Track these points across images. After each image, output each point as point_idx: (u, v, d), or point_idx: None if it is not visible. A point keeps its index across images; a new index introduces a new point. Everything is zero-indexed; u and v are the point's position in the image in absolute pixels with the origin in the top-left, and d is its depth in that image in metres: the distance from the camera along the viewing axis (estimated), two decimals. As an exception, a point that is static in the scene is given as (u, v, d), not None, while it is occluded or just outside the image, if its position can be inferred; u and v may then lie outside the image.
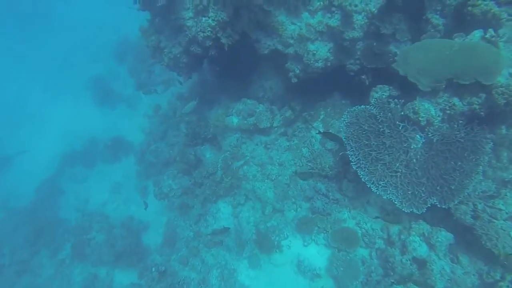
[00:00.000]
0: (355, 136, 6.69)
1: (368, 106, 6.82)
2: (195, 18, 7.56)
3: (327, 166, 8.14)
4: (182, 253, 9.47)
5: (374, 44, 7.58)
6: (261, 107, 9.36)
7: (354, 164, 6.61)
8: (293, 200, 8.85)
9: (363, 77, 7.92)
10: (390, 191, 6.36)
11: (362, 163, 6.55)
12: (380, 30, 7.34)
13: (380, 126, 6.59)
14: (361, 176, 6.54)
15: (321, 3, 7.32)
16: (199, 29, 7.53)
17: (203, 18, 7.49)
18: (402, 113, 6.51)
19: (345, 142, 6.85)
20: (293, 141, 9.38)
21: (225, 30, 7.74)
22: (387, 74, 7.50)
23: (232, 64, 9.88)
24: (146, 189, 12.27)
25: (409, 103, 6.46)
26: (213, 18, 7.41)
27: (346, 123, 6.92)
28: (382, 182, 6.43)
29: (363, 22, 7.21)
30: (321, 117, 9.17)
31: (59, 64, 18.31)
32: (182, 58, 8.42)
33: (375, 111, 6.68)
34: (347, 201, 7.96)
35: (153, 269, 9.12)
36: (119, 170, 13.78)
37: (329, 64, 8.11)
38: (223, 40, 7.74)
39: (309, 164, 8.84)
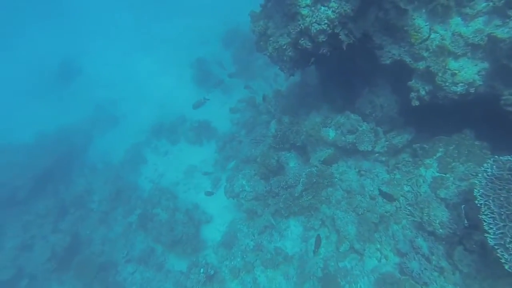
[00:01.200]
0: (500, 199, 4.73)
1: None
2: (312, 7, 6.40)
3: (437, 221, 6.22)
4: (236, 263, 8.69)
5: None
6: (365, 126, 7.79)
7: (491, 238, 4.68)
8: (379, 246, 7.18)
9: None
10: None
11: (504, 236, 4.59)
12: None
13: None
14: (500, 256, 4.59)
15: (490, 4, 5.39)
16: (314, 20, 6.35)
17: (322, 8, 6.28)
18: None
19: (480, 201, 4.93)
20: (395, 175, 7.61)
21: (345, 26, 6.40)
22: None
23: (343, 69, 8.48)
24: (219, 182, 11.84)
25: None
26: (334, 9, 6.14)
27: (488, 175, 4.98)
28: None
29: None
30: (438, 154, 7.17)
31: (173, 42, 19.41)
32: (288, 50, 7.38)
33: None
34: (458, 277, 5.95)
35: (202, 270, 8.56)
36: (198, 153, 13.73)
37: (472, 91, 6.10)
38: (343, 37, 6.42)
39: (409, 208, 7.01)
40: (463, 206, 5.91)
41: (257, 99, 12.71)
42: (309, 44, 6.89)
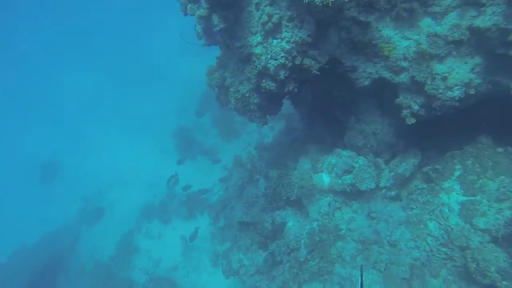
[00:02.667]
0: None
1: None
2: (264, 43, 5.67)
3: (493, 268, 4.70)
4: None
5: None
6: (361, 161, 6.63)
7: None
8: (420, 309, 5.52)
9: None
10: None
11: None
12: None
13: None
14: None
15: (459, -6, 4.66)
16: (269, 56, 5.57)
17: (275, 41, 5.54)
18: None
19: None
20: (412, 210, 6.24)
21: (306, 55, 5.61)
22: None
23: (323, 104, 7.60)
24: (219, 258, 10.26)
25: None
26: (288, 39, 5.38)
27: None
28: None
29: (544, 14, 4.18)
30: (457, 173, 5.92)
31: (151, 117, 19.09)
32: (252, 98, 6.54)
33: None
34: None
35: None
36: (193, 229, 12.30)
37: (472, 92, 5.08)
38: (308, 63, 5.59)
39: (444, 250, 5.53)
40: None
41: (243, 158, 11.69)
42: (273, 84, 6.05)
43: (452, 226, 5.53)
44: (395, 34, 5.47)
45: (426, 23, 5.23)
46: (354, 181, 6.53)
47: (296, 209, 7.96)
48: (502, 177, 5.29)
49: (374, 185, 6.41)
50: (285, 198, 8.08)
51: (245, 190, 10.44)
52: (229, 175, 12.39)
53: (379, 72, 5.76)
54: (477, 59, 4.97)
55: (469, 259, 4.85)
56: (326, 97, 7.34)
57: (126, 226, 13.99)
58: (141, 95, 21.02)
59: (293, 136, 10.03)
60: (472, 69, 5.01)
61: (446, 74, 5.08)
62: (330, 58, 5.95)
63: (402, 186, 6.66)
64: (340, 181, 6.73)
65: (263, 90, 6.26)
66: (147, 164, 16.41)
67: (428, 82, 5.20)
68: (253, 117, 7.00)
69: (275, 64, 5.57)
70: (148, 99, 20.27)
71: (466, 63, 5.04)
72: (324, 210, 7.15)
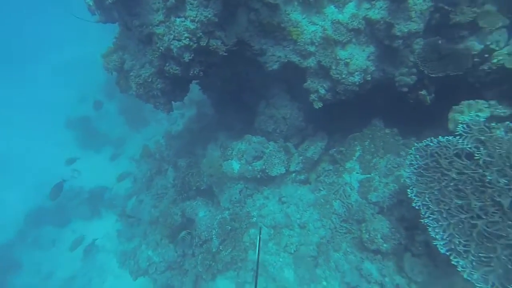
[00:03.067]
0: (435, 193, 3.81)
1: (453, 138, 3.99)
2: (166, 22, 5.12)
3: (379, 235, 5.15)
4: None
5: (439, 41, 4.95)
6: (271, 146, 6.66)
7: (441, 246, 3.64)
8: (325, 283, 5.81)
9: (422, 92, 5.21)
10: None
11: (452, 238, 3.60)
12: (450, 18, 4.73)
13: (484, 172, 3.70)
14: (455, 264, 3.54)
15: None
16: (172, 37, 5.05)
17: (178, 20, 5.03)
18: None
19: (417, 202, 3.96)
20: (320, 192, 6.52)
21: (213, 36, 5.26)
22: (463, 86, 4.81)
23: (232, 88, 7.36)
24: (127, 257, 9.34)
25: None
26: (192, 18, 4.93)
27: (415, 168, 4.07)
28: (486, 268, 3.43)
29: (425, 7, 4.64)
30: (357, 154, 6.37)
31: (42, 105, 16.34)
32: (156, 83, 5.93)
33: (469, 146, 3.83)
34: (417, 291, 4.86)
35: None
36: (98, 229, 10.99)
37: (369, 78, 5.46)
38: (215, 45, 5.23)
39: (345, 226, 5.92)
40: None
41: (152, 147, 10.84)
42: (177, 68, 5.54)
43: (352, 203, 5.93)
44: (303, 19, 5.52)
45: (330, 10, 5.39)
46: (264, 167, 6.52)
47: (207, 199, 7.66)
48: (389, 155, 5.89)
49: (284, 170, 6.51)
50: (195, 188, 7.71)
51: (153, 181, 9.70)
52: (137, 167, 11.38)
53: (288, 56, 5.78)
54: (372, 48, 5.34)
55: (364, 231, 5.28)
56: (235, 82, 7.15)
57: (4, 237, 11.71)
58: (26, 80, 17.78)
59: (204, 123, 9.68)
60: (368, 56, 5.37)
61: (348, 60, 5.33)
62: (238, 40, 5.72)
63: (311, 169, 6.91)
64: (250, 167, 6.65)
65: (167, 74, 5.70)
66: (37, 160, 14.02)
67: (333, 67, 5.39)
68: (157, 103, 6.39)
69: (179, 46, 5.07)
70: (36, 85, 17.27)
71: (363, 50, 5.37)
72: (235, 198, 7.00)
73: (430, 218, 3.72)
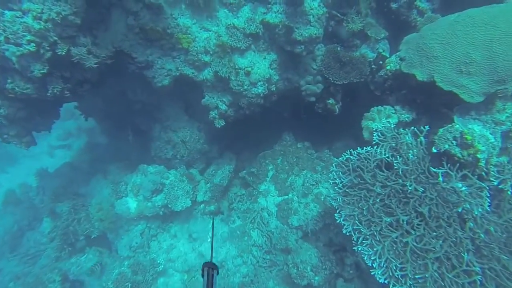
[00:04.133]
0: (364, 213, 3.34)
1: (371, 149, 3.62)
2: (-2, 16, 3.66)
3: (308, 267, 4.53)
4: None
5: (338, 48, 4.75)
6: (172, 175, 5.56)
7: (380, 275, 3.14)
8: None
9: (329, 101, 4.93)
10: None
11: (389, 263, 3.15)
12: (344, 26, 4.57)
13: (404, 182, 3.39)
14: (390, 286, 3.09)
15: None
16: (3, 38, 3.58)
17: (8, 14, 3.60)
18: (436, 150, 3.44)
19: (347, 227, 3.43)
20: (234, 222, 5.68)
21: (75, 42, 3.98)
22: (368, 93, 4.66)
23: (115, 110, 6.03)
24: None
25: (443, 130, 3.44)
26: (36, 14, 3.59)
27: (339, 188, 3.56)
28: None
29: (321, 12, 4.33)
30: (270, 174, 5.79)
31: None
32: (-2, 108, 4.27)
33: (387, 155, 3.49)
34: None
35: None
36: None
37: (273, 89, 4.94)
38: (79, 55, 3.95)
39: (268, 258, 5.19)
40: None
41: (17, 191, 8.43)
42: (27, 86, 4.05)
43: (273, 230, 5.26)
44: (193, 24, 4.72)
45: (223, 14, 4.72)
46: (166, 201, 5.36)
47: (101, 248, 6.03)
48: (305, 171, 5.46)
49: (190, 202, 5.46)
50: (83, 237, 6.02)
51: (24, 237, 7.41)
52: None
53: (180, 68, 4.86)
54: (273, 55, 4.85)
55: (291, 265, 4.59)
56: (122, 103, 5.87)
57: None
58: None
59: (95, 154, 7.92)
60: (270, 64, 4.85)
61: (249, 69, 4.70)
62: (116, 50, 4.56)
63: (221, 197, 6.02)
64: (149, 204, 5.42)
65: (11, 95, 4.13)
66: None
67: (233, 78, 4.69)
68: (5, 136, 4.66)
69: (19, 53, 3.65)
70: None
71: (264, 58, 4.83)
72: (136, 243, 5.65)
73: (364, 245, 3.20)
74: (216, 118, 5.01)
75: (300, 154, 5.73)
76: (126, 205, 5.54)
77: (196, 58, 4.71)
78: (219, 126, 5.01)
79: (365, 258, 3.15)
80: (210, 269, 1.63)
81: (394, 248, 3.16)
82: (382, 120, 3.77)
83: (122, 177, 5.96)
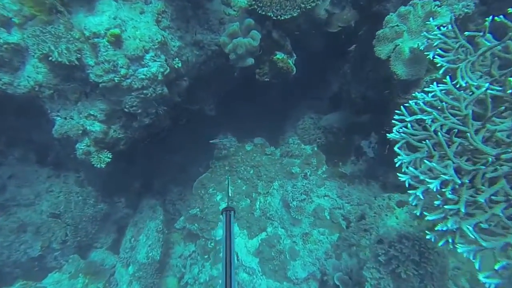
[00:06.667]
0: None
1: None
2: None
3: None
4: None
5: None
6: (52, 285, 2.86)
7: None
8: None
9: (277, 56, 2.93)
10: None
11: None
12: None
13: None
14: None
15: None
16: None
17: None
18: None
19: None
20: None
21: None
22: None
23: None
24: None
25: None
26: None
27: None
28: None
29: None
30: (222, 206, 3.56)
31: None
32: None
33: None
34: None
35: None
36: None
37: (178, 65, 2.72)
38: None
39: None
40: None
41: None
42: None
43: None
44: None
45: None
46: None
47: None
48: (276, 182, 3.43)
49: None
50: None
51: None
52: None
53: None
54: (157, 3, 2.59)
55: None
56: None
57: None
58: None
59: None
60: (157, 20, 2.60)
61: (117, 31, 2.39)
62: None
63: (160, 276, 3.55)
64: None
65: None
66: None
67: (89, 59, 2.31)
68: None
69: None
70: None
71: (142, 11, 2.54)
72: None
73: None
74: (91, 153, 2.55)
75: (256, 159, 3.63)
76: None
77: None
78: (103, 166, 2.56)
79: None
80: (228, 211, 1.69)
81: None
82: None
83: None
